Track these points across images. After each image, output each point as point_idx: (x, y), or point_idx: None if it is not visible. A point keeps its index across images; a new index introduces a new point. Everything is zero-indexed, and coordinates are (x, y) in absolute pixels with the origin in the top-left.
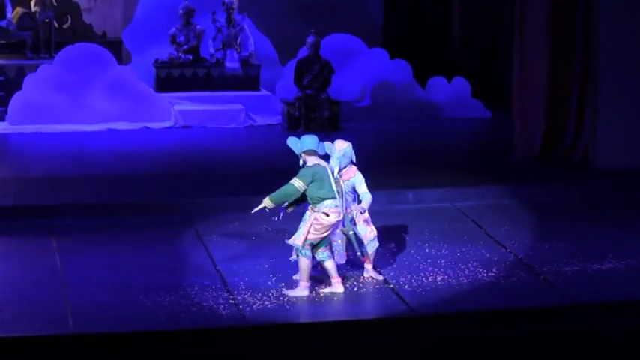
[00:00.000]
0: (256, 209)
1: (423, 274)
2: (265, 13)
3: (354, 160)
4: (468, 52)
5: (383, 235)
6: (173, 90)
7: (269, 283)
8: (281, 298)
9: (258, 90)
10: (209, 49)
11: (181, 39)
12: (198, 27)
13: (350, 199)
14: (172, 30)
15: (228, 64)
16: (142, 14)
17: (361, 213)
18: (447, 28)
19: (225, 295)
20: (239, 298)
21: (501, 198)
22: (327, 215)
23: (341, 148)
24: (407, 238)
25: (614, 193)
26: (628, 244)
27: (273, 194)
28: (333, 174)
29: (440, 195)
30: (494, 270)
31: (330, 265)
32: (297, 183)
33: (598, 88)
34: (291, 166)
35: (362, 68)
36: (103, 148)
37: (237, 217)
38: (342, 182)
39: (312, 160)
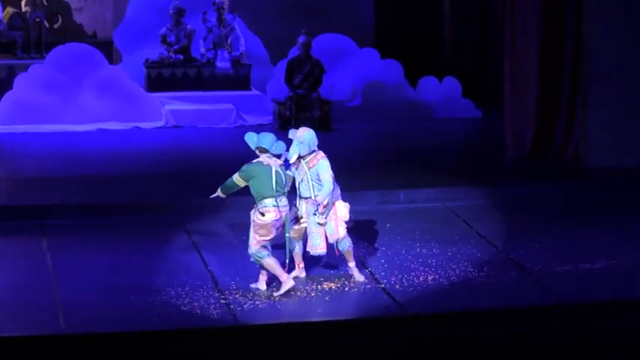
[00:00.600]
0: (212, 196)
1: (414, 274)
2: (256, 12)
3: (315, 148)
4: (459, 52)
5: (374, 234)
6: (164, 90)
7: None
8: (272, 297)
9: (249, 90)
10: (200, 48)
11: (172, 39)
12: (188, 27)
13: (318, 187)
14: (163, 30)
15: (219, 63)
16: (132, 14)
17: (317, 204)
18: (437, 27)
19: (217, 295)
20: (230, 298)
21: (492, 198)
22: (263, 215)
23: (300, 135)
24: (398, 238)
25: (606, 193)
26: (619, 244)
27: (222, 185)
28: (289, 163)
29: (431, 195)
30: (485, 270)
31: (272, 262)
32: (235, 177)
33: (589, 87)
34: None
35: (353, 68)
36: (93, 148)
37: (228, 217)
38: (307, 170)
39: (261, 158)
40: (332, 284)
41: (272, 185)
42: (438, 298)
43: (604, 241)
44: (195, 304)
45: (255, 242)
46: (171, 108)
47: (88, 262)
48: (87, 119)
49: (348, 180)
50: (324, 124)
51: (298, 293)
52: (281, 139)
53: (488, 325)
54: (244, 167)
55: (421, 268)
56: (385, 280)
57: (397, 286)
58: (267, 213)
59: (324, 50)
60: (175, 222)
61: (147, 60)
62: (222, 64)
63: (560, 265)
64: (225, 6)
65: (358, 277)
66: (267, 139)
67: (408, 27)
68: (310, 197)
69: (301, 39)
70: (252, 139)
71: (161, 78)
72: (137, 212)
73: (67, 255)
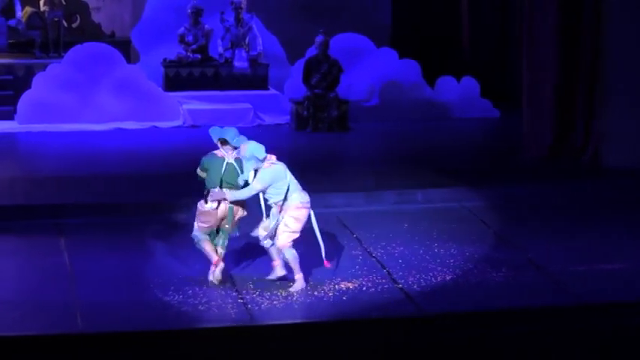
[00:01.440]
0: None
1: (431, 274)
2: (273, 12)
3: (263, 156)
4: (477, 52)
5: (392, 234)
6: (181, 89)
7: (277, 282)
8: (289, 297)
9: (267, 89)
10: (218, 48)
11: (190, 38)
12: (206, 26)
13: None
14: (181, 29)
15: (236, 63)
16: (150, 13)
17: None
18: (456, 27)
19: (234, 294)
20: (247, 297)
21: (510, 198)
22: (206, 202)
23: (243, 153)
24: (416, 238)
25: (624, 193)
26: (637, 244)
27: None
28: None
29: (448, 194)
30: (503, 270)
31: (208, 246)
32: (198, 170)
33: (607, 87)
34: (297, 165)
35: (370, 68)
36: (111, 147)
37: (246, 217)
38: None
39: (218, 150)
40: (349, 284)
41: (219, 176)
42: (455, 298)
43: (622, 241)
44: (213, 303)
45: (197, 227)
46: (189, 107)
47: (105, 261)
48: (105, 118)
49: (365, 180)
50: (342, 124)
51: (315, 293)
52: (298, 139)
53: (506, 325)
54: (202, 160)
55: (439, 268)
56: (403, 280)
57: (415, 286)
58: (209, 202)
59: (341, 50)
60: (192, 221)
61: (165, 59)
62: (240, 63)
63: (578, 266)
64: (243, 5)
65: (273, 276)
66: (230, 131)
67: (425, 26)
68: (276, 203)
69: (319, 38)
70: (215, 131)
71: (179, 77)
72: (154, 211)
73: (85, 254)
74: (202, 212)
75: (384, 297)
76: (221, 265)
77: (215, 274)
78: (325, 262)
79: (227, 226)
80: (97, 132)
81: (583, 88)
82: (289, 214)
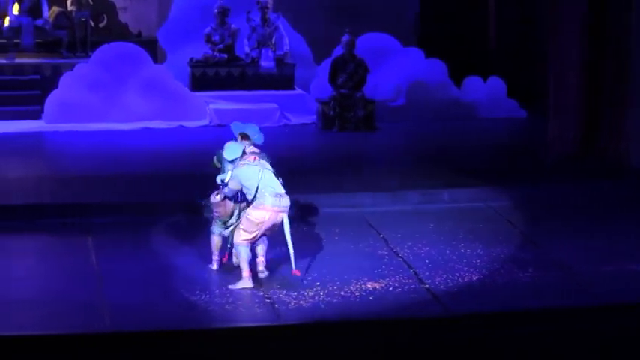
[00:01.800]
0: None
1: (458, 274)
2: (300, 12)
3: (235, 156)
4: (504, 52)
5: (418, 234)
6: (208, 89)
7: (304, 282)
8: (316, 297)
9: (293, 89)
10: (244, 48)
11: (216, 38)
12: (233, 26)
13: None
14: (207, 29)
15: (263, 63)
16: (176, 13)
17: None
18: (482, 26)
19: (260, 294)
20: (274, 296)
21: (536, 197)
22: (217, 195)
23: (224, 155)
24: (442, 238)
25: None
26: None
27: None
28: (225, 183)
29: (474, 194)
30: (529, 270)
31: (215, 240)
32: (214, 158)
33: (633, 86)
34: (323, 165)
35: (397, 67)
36: (138, 146)
37: None
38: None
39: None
40: (376, 284)
41: (227, 170)
42: (482, 298)
43: None
44: (240, 302)
45: (214, 218)
46: (216, 107)
47: (133, 260)
48: (132, 118)
49: (391, 180)
50: (368, 124)
51: (342, 292)
52: (324, 139)
53: (532, 325)
54: (219, 151)
55: (465, 268)
56: (429, 280)
57: (442, 286)
58: (219, 194)
59: (367, 49)
60: None
61: (191, 59)
62: (266, 63)
63: (605, 266)
64: (269, 5)
65: (235, 285)
66: (252, 128)
67: (452, 26)
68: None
69: (345, 38)
70: (237, 127)
71: (205, 77)
72: (181, 211)
73: (113, 253)
74: (212, 203)
75: (410, 297)
76: (216, 257)
77: (214, 265)
78: (295, 270)
79: (233, 219)
80: (123, 131)
81: (609, 87)
82: (248, 211)
